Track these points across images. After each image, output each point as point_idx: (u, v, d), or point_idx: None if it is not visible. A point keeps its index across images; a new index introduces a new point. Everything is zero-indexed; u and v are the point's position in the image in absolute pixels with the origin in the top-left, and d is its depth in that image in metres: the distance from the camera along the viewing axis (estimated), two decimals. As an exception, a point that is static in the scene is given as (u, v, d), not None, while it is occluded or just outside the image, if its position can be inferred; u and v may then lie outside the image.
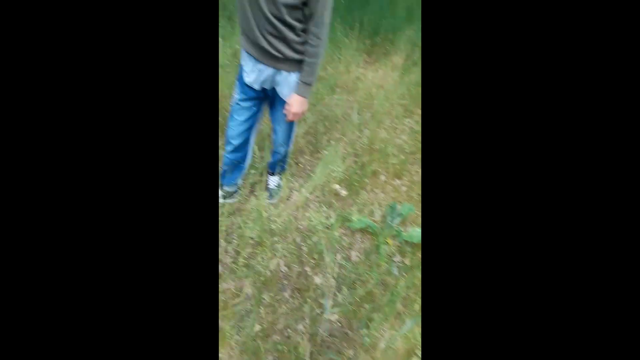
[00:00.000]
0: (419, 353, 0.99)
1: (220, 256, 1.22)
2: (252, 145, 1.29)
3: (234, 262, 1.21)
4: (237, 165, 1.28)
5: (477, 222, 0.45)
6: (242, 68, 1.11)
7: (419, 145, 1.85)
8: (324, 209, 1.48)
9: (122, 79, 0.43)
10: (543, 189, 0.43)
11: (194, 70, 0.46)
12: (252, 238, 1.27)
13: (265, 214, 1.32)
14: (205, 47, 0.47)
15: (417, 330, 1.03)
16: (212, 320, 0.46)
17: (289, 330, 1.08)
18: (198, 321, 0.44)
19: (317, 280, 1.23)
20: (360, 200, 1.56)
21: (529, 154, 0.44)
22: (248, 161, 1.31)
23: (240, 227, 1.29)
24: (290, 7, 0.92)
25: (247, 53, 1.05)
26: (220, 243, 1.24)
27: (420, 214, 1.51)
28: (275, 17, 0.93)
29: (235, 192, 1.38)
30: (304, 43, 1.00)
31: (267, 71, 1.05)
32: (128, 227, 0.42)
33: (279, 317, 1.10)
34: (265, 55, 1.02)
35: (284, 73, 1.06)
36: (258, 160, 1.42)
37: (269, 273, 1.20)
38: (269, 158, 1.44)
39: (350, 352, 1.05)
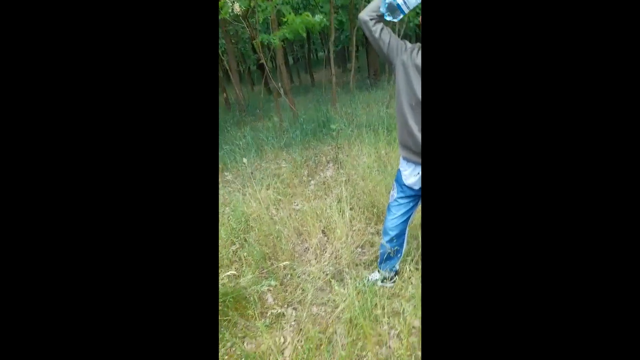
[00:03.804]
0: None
1: (385, 339, 1.26)
2: (407, 235, 1.41)
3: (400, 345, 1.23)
4: (395, 252, 1.40)
5: (477, 224, 0.45)
6: (400, 172, 1.26)
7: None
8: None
9: (122, 81, 0.43)
10: (544, 196, 0.42)
11: (194, 74, 0.47)
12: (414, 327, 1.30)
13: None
14: (205, 50, 0.48)
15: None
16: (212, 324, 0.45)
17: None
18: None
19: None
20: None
21: (529, 156, 0.43)
22: (404, 248, 1.44)
23: (399, 312, 1.36)
24: None
25: (407, 160, 1.20)
26: (384, 327, 1.31)
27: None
28: None
29: (393, 277, 1.49)
30: None
31: None
32: (127, 229, 0.42)
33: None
34: None
35: None
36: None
37: None
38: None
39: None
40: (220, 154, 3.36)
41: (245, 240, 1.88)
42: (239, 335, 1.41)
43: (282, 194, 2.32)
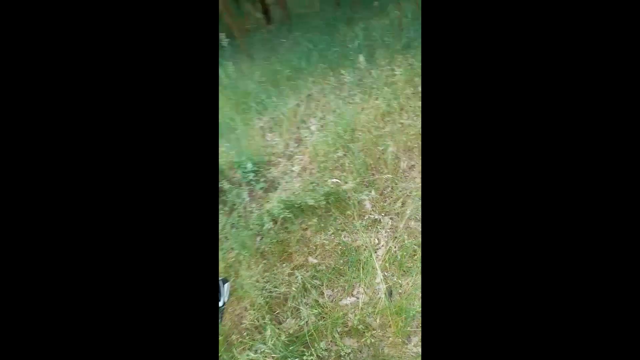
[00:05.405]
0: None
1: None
2: None
3: None
4: None
5: (477, 224, 0.45)
6: None
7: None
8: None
9: (121, 82, 0.43)
10: (545, 194, 0.43)
11: (194, 74, 0.47)
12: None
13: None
14: (205, 51, 0.47)
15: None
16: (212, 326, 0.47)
17: None
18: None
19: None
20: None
21: (529, 154, 0.44)
22: None
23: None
24: None
25: None
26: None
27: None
28: None
29: None
30: None
31: None
32: (126, 230, 0.43)
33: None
34: None
35: None
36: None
37: None
38: None
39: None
40: (329, 57, 3.24)
41: (349, 149, 1.92)
42: (339, 228, 1.61)
43: (392, 107, 2.17)
